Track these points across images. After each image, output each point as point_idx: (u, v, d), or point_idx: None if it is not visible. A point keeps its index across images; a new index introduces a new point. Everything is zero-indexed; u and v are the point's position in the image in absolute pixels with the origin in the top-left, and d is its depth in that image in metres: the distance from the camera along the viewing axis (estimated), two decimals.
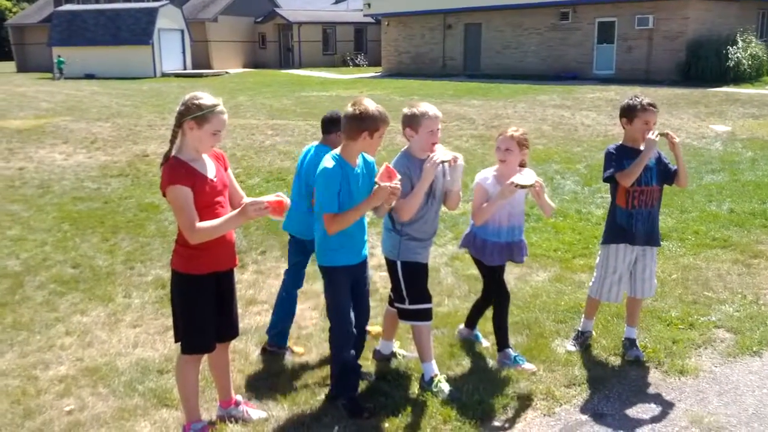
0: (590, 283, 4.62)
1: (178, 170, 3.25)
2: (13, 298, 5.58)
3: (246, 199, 3.49)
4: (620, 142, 4.35)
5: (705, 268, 6.13)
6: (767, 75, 25.43)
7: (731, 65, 24.63)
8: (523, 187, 3.97)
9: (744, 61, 24.88)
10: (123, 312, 5.29)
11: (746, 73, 24.74)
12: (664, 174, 4.31)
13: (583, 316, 4.69)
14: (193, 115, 3.24)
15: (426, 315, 3.99)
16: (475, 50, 32.79)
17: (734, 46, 25.04)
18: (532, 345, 4.55)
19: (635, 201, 4.28)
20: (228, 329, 3.61)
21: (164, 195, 3.30)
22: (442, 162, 3.82)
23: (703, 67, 24.99)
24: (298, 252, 4.61)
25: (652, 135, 4.10)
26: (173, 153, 3.33)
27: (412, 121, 3.84)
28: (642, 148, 4.18)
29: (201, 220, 3.25)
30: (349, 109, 3.61)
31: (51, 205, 8.71)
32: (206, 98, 3.27)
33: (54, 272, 6.20)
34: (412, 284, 3.95)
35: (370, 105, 3.58)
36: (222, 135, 3.32)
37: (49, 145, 13.17)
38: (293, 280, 4.67)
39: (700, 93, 21.03)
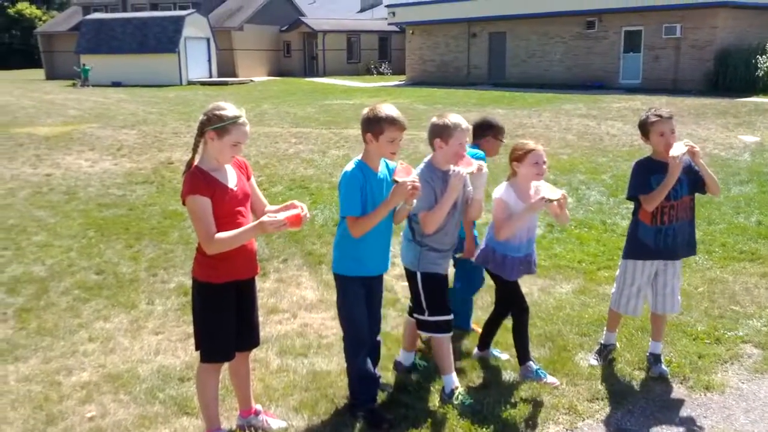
0: (611, 295, 4.57)
1: (198, 180, 3.26)
2: (38, 304, 5.63)
3: (269, 207, 3.51)
4: (649, 155, 4.27)
5: (732, 281, 6.02)
6: None
7: (760, 75, 24.33)
8: (551, 201, 3.95)
9: None
10: (145, 319, 5.31)
11: None
12: (695, 183, 4.17)
13: (605, 328, 4.63)
14: (214, 125, 3.24)
15: (446, 327, 3.95)
16: (500, 59, 32.73)
17: (764, 56, 24.71)
18: (554, 358, 4.49)
19: (665, 217, 4.16)
20: (248, 338, 3.60)
21: (184, 204, 3.31)
22: (468, 173, 3.79)
23: (732, 76, 24.72)
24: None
25: (675, 153, 3.95)
26: (195, 162, 3.35)
27: (443, 132, 3.79)
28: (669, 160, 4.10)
29: (221, 229, 3.25)
30: (363, 111, 3.63)
31: (77, 211, 8.80)
32: (229, 109, 3.27)
33: (78, 278, 6.25)
34: (432, 295, 3.92)
35: (382, 108, 3.58)
36: (243, 146, 3.32)
37: (76, 152, 13.34)
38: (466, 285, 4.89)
39: (729, 103, 20.77)
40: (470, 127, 3.89)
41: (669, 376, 4.27)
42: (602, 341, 4.58)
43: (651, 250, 4.22)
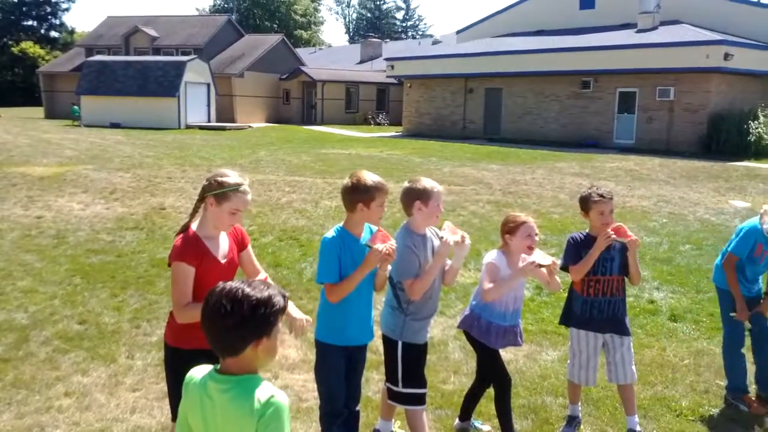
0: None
1: (188, 247, 3.25)
2: (17, 354, 5.55)
3: (262, 275, 3.46)
4: (587, 231, 4.36)
5: (719, 353, 5.95)
6: None
7: (752, 140, 24.65)
8: (541, 266, 3.97)
9: (765, 135, 24.90)
10: (124, 374, 5.23)
11: (767, 148, 24.73)
12: (626, 265, 4.33)
13: (568, 401, 4.62)
14: (213, 191, 3.25)
15: (420, 400, 3.90)
16: (496, 114, 33.12)
17: (756, 121, 25.08)
18: (536, 431, 4.42)
19: (590, 289, 4.33)
20: None
21: (169, 265, 3.29)
22: (454, 242, 3.80)
23: (725, 140, 25.03)
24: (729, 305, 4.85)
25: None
26: (193, 225, 3.33)
27: (422, 195, 3.83)
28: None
29: (200, 299, 3.22)
30: (345, 181, 3.65)
31: (64, 256, 8.75)
32: (231, 177, 3.29)
33: (60, 328, 6.18)
34: (409, 368, 3.88)
35: (365, 176, 3.61)
36: (241, 215, 3.32)
37: (68, 194, 13.33)
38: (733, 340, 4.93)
39: (721, 167, 20.98)
40: (442, 190, 3.94)
41: None
42: (569, 413, 4.57)
43: (578, 318, 4.38)
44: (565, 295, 7.40)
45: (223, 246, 3.37)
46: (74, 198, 12.99)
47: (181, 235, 3.30)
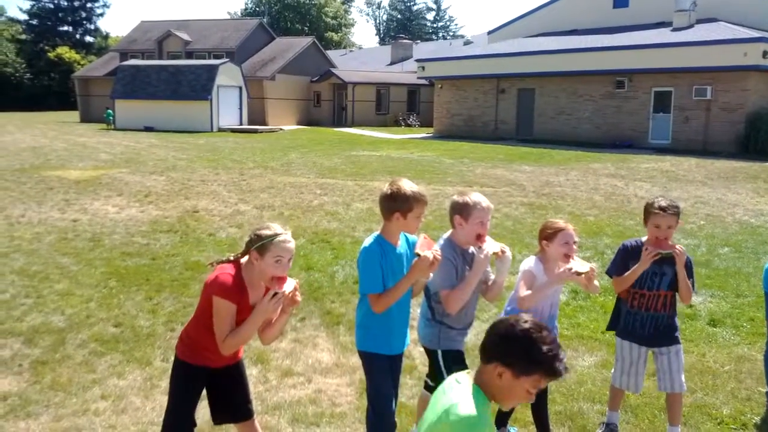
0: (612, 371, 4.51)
1: (235, 287, 3.35)
2: (54, 356, 5.61)
3: (291, 281, 3.49)
4: (642, 239, 4.24)
5: (761, 360, 5.81)
6: None
7: None
8: (580, 273, 3.90)
9: None
10: (159, 377, 5.26)
11: None
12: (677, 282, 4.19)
13: (607, 407, 4.53)
14: (255, 245, 3.35)
15: None
16: (528, 115, 32.88)
17: None
18: None
19: (635, 302, 4.23)
20: (233, 413, 3.69)
21: (206, 293, 3.39)
22: (494, 254, 3.74)
23: (763, 140, 24.56)
24: None
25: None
26: (242, 260, 3.44)
27: (463, 210, 3.75)
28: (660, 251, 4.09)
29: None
30: (385, 188, 3.60)
31: (100, 259, 8.85)
32: (270, 229, 3.38)
33: (96, 330, 6.24)
34: (453, 372, 3.83)
35: (405, 185, 3.55)
36: (286, 261, 3.37)
37: (104, 197, 13.51)
38: None
39: (759, 167, 20.55)
40: (491, 207, 3.84)
41: None
42: (605, 420, 4.48)
43: (623, 327, 4.31)
44: (603, 299, 7.32)
45: (257, 295, 3.45)
46: (109, 201, 13.17)
47: (230, 273, 3.36)
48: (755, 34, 25.49)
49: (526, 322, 2.19)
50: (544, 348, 2.16)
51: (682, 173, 19.13)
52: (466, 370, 2.43)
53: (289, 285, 3.37)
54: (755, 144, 24.71)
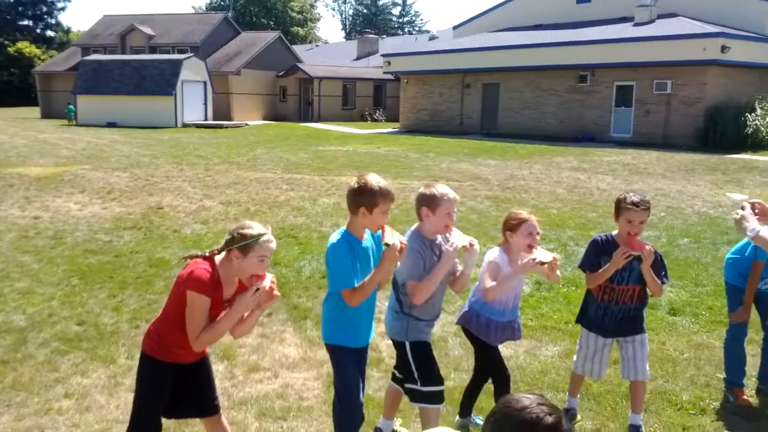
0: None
1: (211, 282, 3.32)
2: (15, 356, 5.53)
3: (268, 277, 3.49)
4: (613, 233, 4.32)
5: (719, 347, 5.93)
6: None
7: (749, 132, 24.66)
8: (543, 263, 3.95)
9: (762, 128, 24.92)
10: (124, 374, 5.22)
11: (765, 141, 24.78)
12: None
13: (567, 393, 4.63)
14: (238, 244, 3.32)
15: (438, 397, 3.89)
16: (493, 109, 33.11)
17: (752, 113, 25.08)
18: None
19: (605, 296, 4.31)
20: (199, 409, 3.69)
21: (179, 288, 3.36)
22: (462, 247, 3.78)
23: (722, 133, 25.04)
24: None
25: (622, 253, 4.04)
26: (217, 258, 3.40)
27: (430, 202, 3.78)
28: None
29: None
30: (352, 183, 3.61)
31: (62, 257, 8.72)
32: (253, 228, 3.36)
33: (58, 329, 6.16)
34: (422, 364, 3.87)
35: (372, 180, 3.56)
36: (268, 260, 3.38)
37: (65, 195, 13.31)
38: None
39: (718, 159, 20.98)
40: (458, 198, 3.87)
41: None
42: (566, 406, 4.57)
43: (591, 319, 4.40)
44: (566, 290, 7.42)
45: (231, 292, 3.45)
46: (71, 198, 12.97)
47: (205, 269, 3.33)
48: (714, 29, 25.98)
49: (550, 415, 2.02)
50: None
51: (643, 166, 19.44)
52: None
53: (267, 280, 3.39)
54: (714, 137, 25.19)
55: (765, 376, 5.01)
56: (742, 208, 3.40)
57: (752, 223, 3.25)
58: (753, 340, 5.45)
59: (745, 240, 4.64)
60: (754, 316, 5.10)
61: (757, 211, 3.39)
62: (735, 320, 4.94)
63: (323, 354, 4.70)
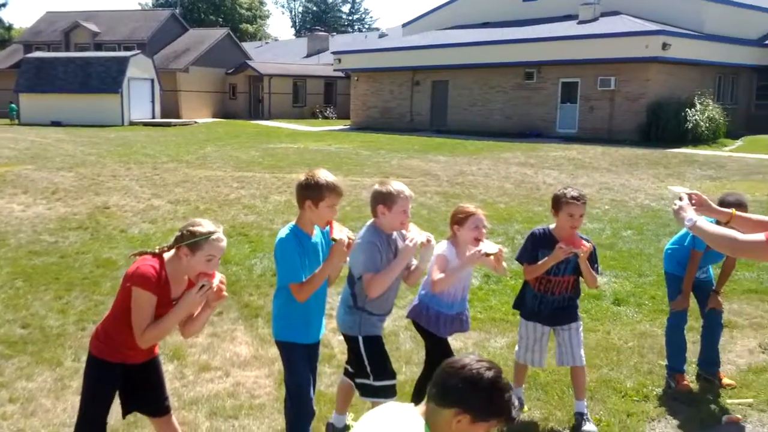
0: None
1: (158, 280, 3.28)
2: None
3: (218, 276, 3.47)
4: (550, 227, 4.45)
5: (661, 335, 6.13)
6: (723, 137, 26.22)
7: (690, 127, 25.37)
8: (489, 254, 4.03)
9: (702, 123, 25.66)
10: (71, 377, 5.13)
11: (704, 135, 25.50)
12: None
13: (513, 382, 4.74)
14: (187, 241, 3.27)
15: (391, 392, 3.92)
16: (442, 106, 33.35)
17: (692, 109, 25.83)
18: None
19: (541, 286, 4.46)
20: (149, 409, 3.66)
21: (126, 285, 3.31)
22: (419, 243, 3.83)
23: (663, 128, 25.70)
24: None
25: (562, 249, 4.19)
26: (165, 255, 3.35)
27: (386, 199, 3.80)
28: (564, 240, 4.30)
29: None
30: (301, 176, 3.63)
31: (5, 259, 8.51)
32: (203, 226, 3.32)
33: (2, 333, 6.02)
34: (375, 358, 3.91)
35: (320, 174, 3.58)
36: (217, 260, 3.33)
37: (8, 195, 12.96)
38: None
39: (660, 153, 21.55)
40: (413, 195, 3.92)
41: None
42: None
43: (528, 309, 4.55)
44: (513, 283, 7.56)
45: (179, 290, 3.40)
46: (14, 199, 12.64)
47: (152, 266, 3.29)
48: (655, 27, 26.65)
49: (489, 369, 2.14)
50: (506, 396, 2.16)
51: (588, 161, 19.85)
52: (411, 404, 2.39)
53: (216, 280, 3.36)
54: (656, 132, 25.85)
55: (704, 362, 5.20)
56: (680, 199, 3.53)
57: (690, 214, 3.37)
58: (693, 327, 5.65)
59: (684, 230, 4.79)
60: (694, 304, 5.29)
61: (694, 201, 3.52)
62: (674, 308, 5.11)
63: (274, 351, 4.70)
